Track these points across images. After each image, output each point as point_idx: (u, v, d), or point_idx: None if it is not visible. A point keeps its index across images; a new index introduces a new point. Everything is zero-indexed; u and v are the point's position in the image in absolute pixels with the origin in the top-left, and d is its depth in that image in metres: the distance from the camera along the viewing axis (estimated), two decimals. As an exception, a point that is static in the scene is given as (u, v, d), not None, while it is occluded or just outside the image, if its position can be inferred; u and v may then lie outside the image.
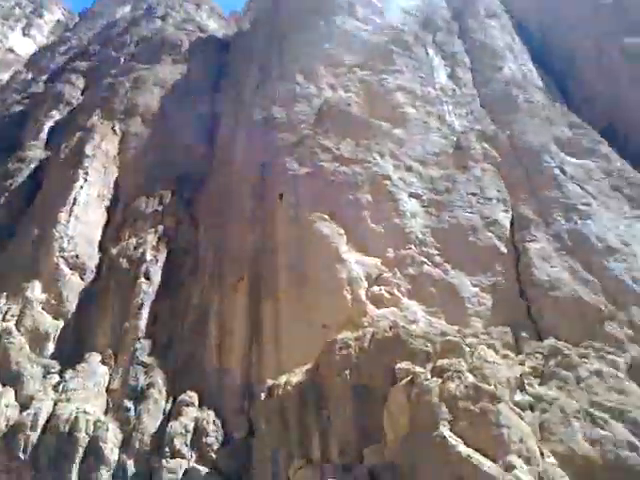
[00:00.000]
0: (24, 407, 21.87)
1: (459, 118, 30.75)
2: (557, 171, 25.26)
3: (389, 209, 25.39)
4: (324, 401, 19.15)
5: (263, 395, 20.58)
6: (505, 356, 18.33)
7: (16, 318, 24.97)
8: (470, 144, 28.50)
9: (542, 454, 14.49)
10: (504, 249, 23.03)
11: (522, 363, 18.00)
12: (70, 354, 24.17)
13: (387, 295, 22.44)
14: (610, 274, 20.67)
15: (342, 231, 24.87)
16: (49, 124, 42.02)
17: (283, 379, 20.59)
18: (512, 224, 23.95)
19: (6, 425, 21.24)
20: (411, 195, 26.09)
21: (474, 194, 25.46)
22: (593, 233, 22.16)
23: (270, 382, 20.81)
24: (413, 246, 23.84)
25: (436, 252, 23.52)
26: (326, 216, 25.55)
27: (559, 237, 22.55)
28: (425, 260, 23.27)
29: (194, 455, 20.05)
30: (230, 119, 36.50)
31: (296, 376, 20.42)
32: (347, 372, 19.22)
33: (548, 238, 22.63)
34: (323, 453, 18.21)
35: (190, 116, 39.18)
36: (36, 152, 38.08)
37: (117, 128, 37.50)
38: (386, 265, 23.42)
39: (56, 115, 43.00)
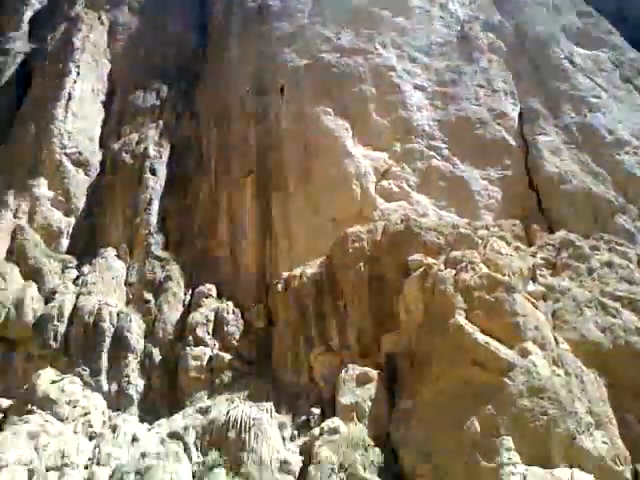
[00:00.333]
0: (48, 301, 22.43)
1: (462, 7, 29.86)
2: (566, 62, 25.01)
3: (394, 102, 25.17)
4: (339, 292, 19.89)
5: (280, 287, 21.25)
6: (516, 248, 18.93)
7: (27, 215, 25.01)
8: (475, 34, 27.90)
9: (556, 341, 15.38)
10: (513, 142, 23.21)
11: (534, 255, 18.66)
12: (84, 250, 24.40)
13: (396, 189, 22.75)
14: (621, 167, 21.07)
15: (347, 125, 24.74)
16: (29, 14, 39.84)
17: (298, 271, 21.19)
18: (520, 117, 24.01)
19: (34, 317, 21.93)
20: (416, 87, 25.77)
21: (481, 86, 25.25)
22: (603, 126, 22.34)
23: (285, 274, 21.44)
24: (420, 139, 23.90)
25: (444, 145, 23.65)
26: (330, 110, 25.29)
27: (568, 130, 22.72)
28: (433, 154, 23.43)
29: (217, 344, 20.95)
30: (222, 7, 34.98)
31: (311, 268, 21.02)
32: (361, 264, 19.83)
33: (557, 131, 22.80)
34: (341, 341, 19.17)
35: (180, 4, 37.48)
36: (18, 44, 36.39)
37: (104, 18, 35.77)
38: (393, 159, 23.57)
39: (36, 4, 40.71)
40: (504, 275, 16.78)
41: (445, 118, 24.52)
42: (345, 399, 16.97)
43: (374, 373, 17.31)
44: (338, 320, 19.50)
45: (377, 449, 15.37)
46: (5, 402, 20.19)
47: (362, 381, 17.26)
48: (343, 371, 17.70)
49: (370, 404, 16.67)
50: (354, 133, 24.49)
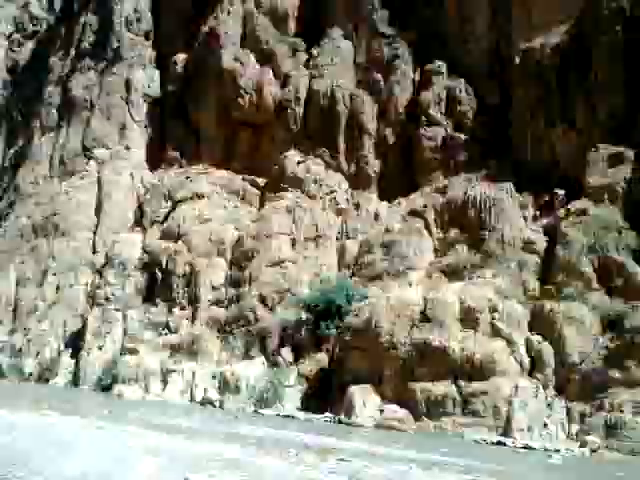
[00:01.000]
0: (284, 84, 23.17)
1: None
2: None
3: None
4: (589, 63, 17.75)
5: (517, 60, 19.43)
6: None
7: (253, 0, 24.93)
8: None
9: None
10: None
11: None
12: (310, 32, 23.89)
13: None
14: None
15: None
16: None
17: (539, 42, 19.04)
18: None
19: (273, 101, 23.05)
20: None
21: None
22: None
23: (524, 45, 19.39)
24: None
25: None
26: None
27: None
28: None
29: (450, 123, 20.23)
30: None
31: (554, 37, 18.81)
32: (618, 28, 17.30)
33: None
34: (588, 118, 17.45)
35: None
36: None
37: None
38: None
39: None
40: None
41: None
42: (595, 180, 15.92)
43: (630, 153, 15.82)
44: (585, 95, 17.62)
45: (633, 232, 14.53)
46: (259, 180, 22.36)
47: (615, 161, 15.95)
48: (592, 150, 16.44)
49: (625, 186, 15.51)
50: None
